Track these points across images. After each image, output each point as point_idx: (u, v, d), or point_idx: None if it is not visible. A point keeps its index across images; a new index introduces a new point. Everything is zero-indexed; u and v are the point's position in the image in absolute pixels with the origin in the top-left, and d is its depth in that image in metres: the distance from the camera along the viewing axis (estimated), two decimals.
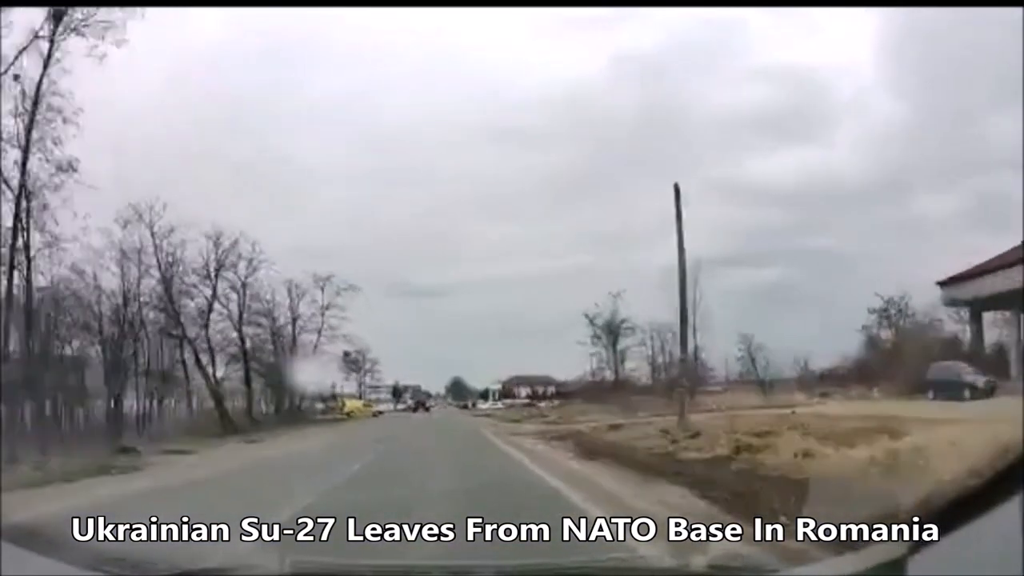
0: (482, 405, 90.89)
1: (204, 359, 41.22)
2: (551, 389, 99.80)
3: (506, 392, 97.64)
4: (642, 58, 67.31)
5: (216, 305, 42.68)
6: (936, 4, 36.27)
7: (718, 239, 60.54)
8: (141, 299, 38.70)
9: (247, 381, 45.10)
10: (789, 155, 66.11)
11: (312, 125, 67.35)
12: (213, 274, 42.14)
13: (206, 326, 41.92)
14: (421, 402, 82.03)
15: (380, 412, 73.03)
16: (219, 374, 42.89)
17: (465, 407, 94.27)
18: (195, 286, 41.62)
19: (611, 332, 57.99)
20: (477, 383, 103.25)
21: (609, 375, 58.34)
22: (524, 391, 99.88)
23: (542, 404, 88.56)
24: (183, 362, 40.55)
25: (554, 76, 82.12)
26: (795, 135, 67.06)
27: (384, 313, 68.83)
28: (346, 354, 79.70)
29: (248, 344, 45.24)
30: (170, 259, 39.24)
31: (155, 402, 39.58)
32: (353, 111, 69.98)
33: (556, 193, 70.72)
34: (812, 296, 57.24)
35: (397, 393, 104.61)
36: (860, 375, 41.29)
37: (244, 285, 44.26)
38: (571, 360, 70.93)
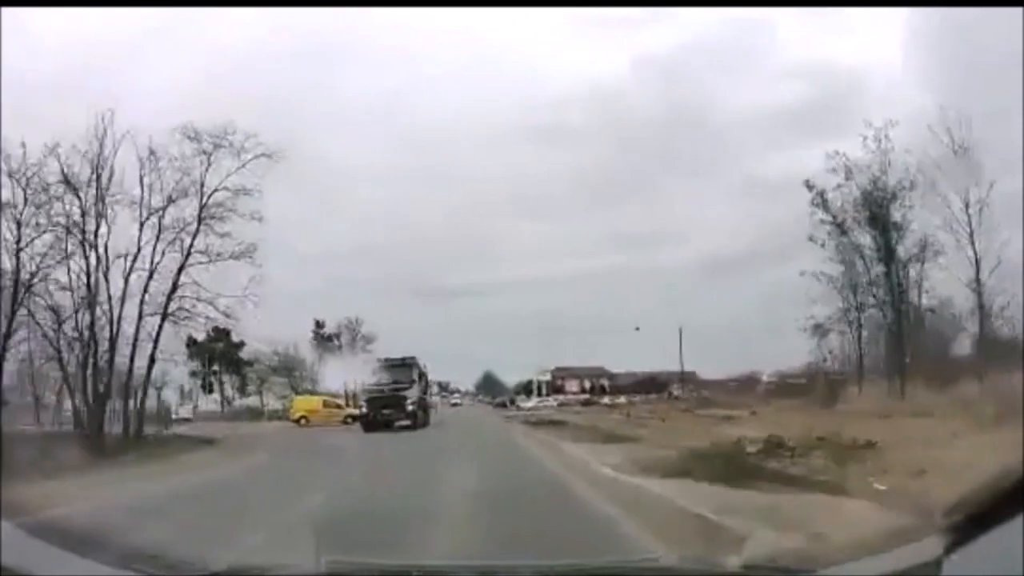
0: (525, 404, 68.36)
1: None
2: (604, 382, 79.44)
3: (555, 386, 76.01)
4: (671, 57, 68.08)
5: None
6: (943, 4, 34.43)
7: (744, 237, 62.60)
8: None
9: None
10: (817, 152, 55.58)
11: (344, 125, 67.92)
12: None
13: None
14: (396, 400, 30.56)
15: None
16: None
17: (503, 405, 72.78)
18: None
19: (871, 215, 24.31)
20: (513, 377, 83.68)
21: (879, 317, 24.75)
22: (573, 385, 79.01)
23: (604, 400, 68.03)
24: None
25: (585, 75, 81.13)
26: (823, 132, 65.03)
27: (413, 313, 67.40)
28: (318, 325, 59.90)
29: None
30: None
31: None
32: (385, 111, 70.50)
33: (589, 192, 71.58)
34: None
35: None
36: None
37: None
38: (613, 355, 69.73)
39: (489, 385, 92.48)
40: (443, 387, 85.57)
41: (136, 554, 2.69)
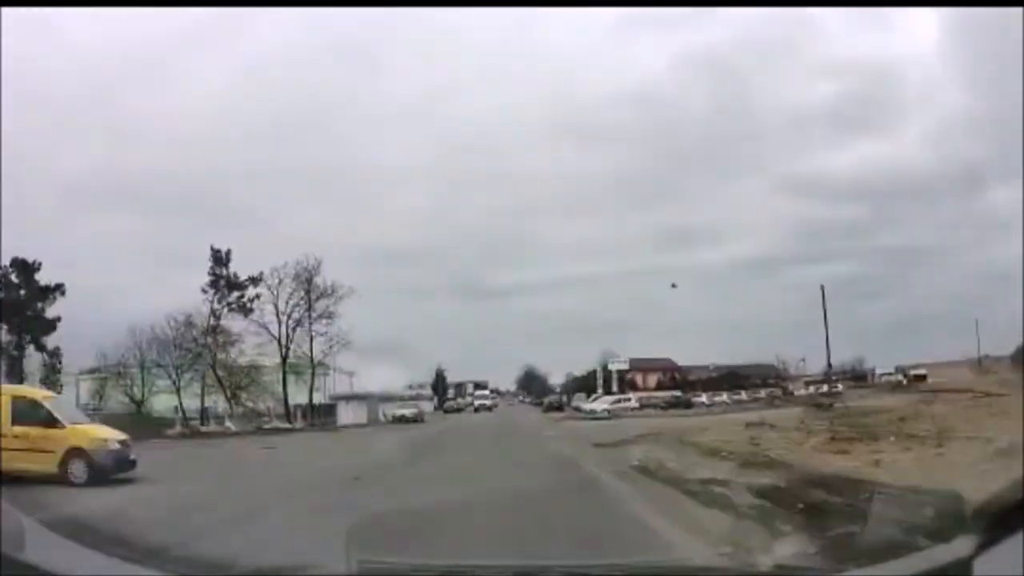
0: (590, 405, 50.57)
1: None
2: (675, 377, 63.58)
3: (629, 381, 59.57)
4: (711, 56, 67.87)
5: None
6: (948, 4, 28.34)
7: (785, 236, 69.17)
8: None
9: None
10: (858, 150, 69.18)
11: (385, 127, 68.81)
12: None
13: None
14: None
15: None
16: None
17: (556, 408, 56.41)
18: None
19: None
20: (555, 375, 69.68)
21: None
22: (641, 379, 62.84)
23: (702, 398, 52.36)
24: None
25: (626, 75, 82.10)
26: (864, 130, 71.00)
27: (451, 313, 67.14)
28: (218, 259, 38.59)
29: None
30: None
31: None
32: (426, 112, 71.90)
33: (630, 190, 71.88)
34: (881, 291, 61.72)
35: (442, 388, 69.42)
36: None
37: None
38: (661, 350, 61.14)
39: (531, 382, 77.11)
40: (479, 386, 69.36)
41: (175, 556, 2.79)
